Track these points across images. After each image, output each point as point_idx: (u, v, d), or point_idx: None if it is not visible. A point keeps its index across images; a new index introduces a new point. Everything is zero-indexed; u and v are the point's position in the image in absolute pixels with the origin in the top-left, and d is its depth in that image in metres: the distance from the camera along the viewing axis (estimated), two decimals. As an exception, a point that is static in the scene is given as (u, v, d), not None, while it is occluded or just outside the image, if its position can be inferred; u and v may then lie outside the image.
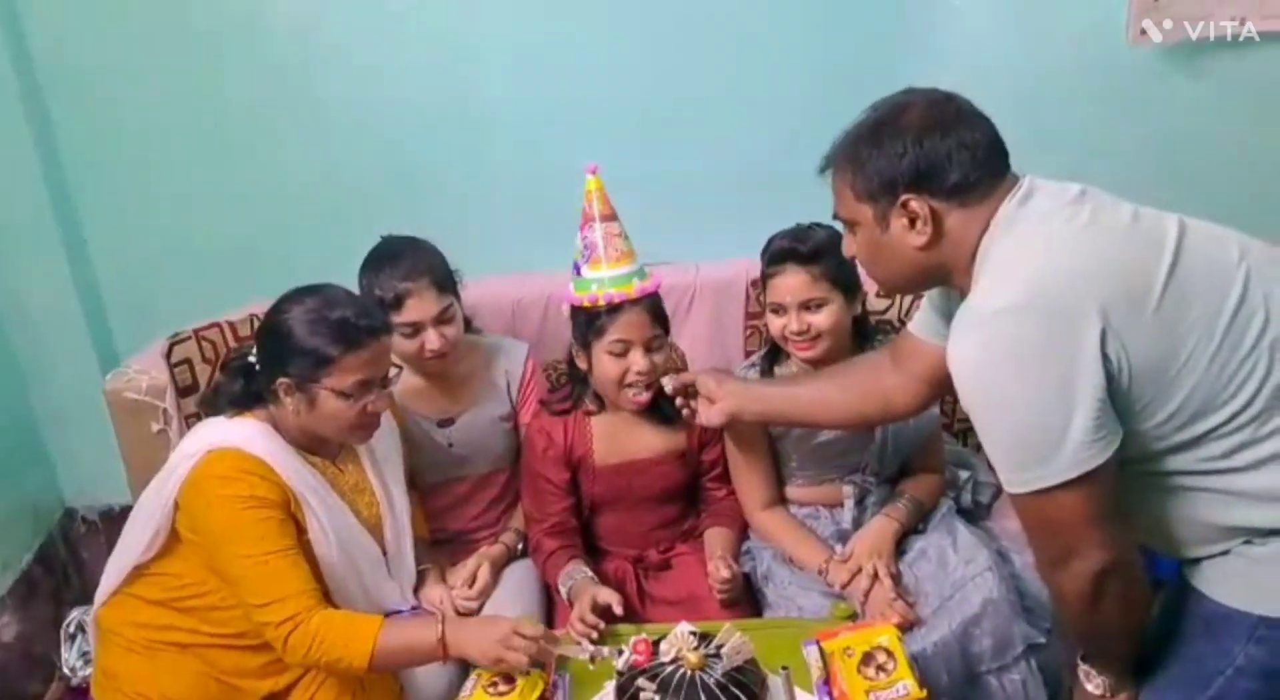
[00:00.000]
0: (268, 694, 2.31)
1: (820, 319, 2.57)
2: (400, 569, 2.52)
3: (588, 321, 2.57)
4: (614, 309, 2.53)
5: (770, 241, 2.64)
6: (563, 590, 2.55)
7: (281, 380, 2.22)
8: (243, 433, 2.26)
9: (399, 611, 2.47)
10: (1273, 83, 3.25)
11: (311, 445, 2.35)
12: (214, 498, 2.18)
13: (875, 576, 2.51)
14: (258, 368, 2.30)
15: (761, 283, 2.67)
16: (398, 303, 2.56)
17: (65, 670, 2.74)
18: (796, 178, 3.30)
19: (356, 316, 2.24)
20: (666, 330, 2.65)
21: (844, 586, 2.53)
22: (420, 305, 2.57)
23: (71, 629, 2.88)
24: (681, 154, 3.19)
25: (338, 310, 2.23)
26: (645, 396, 2.60)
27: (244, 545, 2.17)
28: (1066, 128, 3.33)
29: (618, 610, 2.38)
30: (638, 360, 2.55)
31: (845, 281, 2.58)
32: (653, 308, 2.57)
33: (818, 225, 2.60)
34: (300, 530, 2.25)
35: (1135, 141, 3.34)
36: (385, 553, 2.47)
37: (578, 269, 2.57)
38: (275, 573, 2.17)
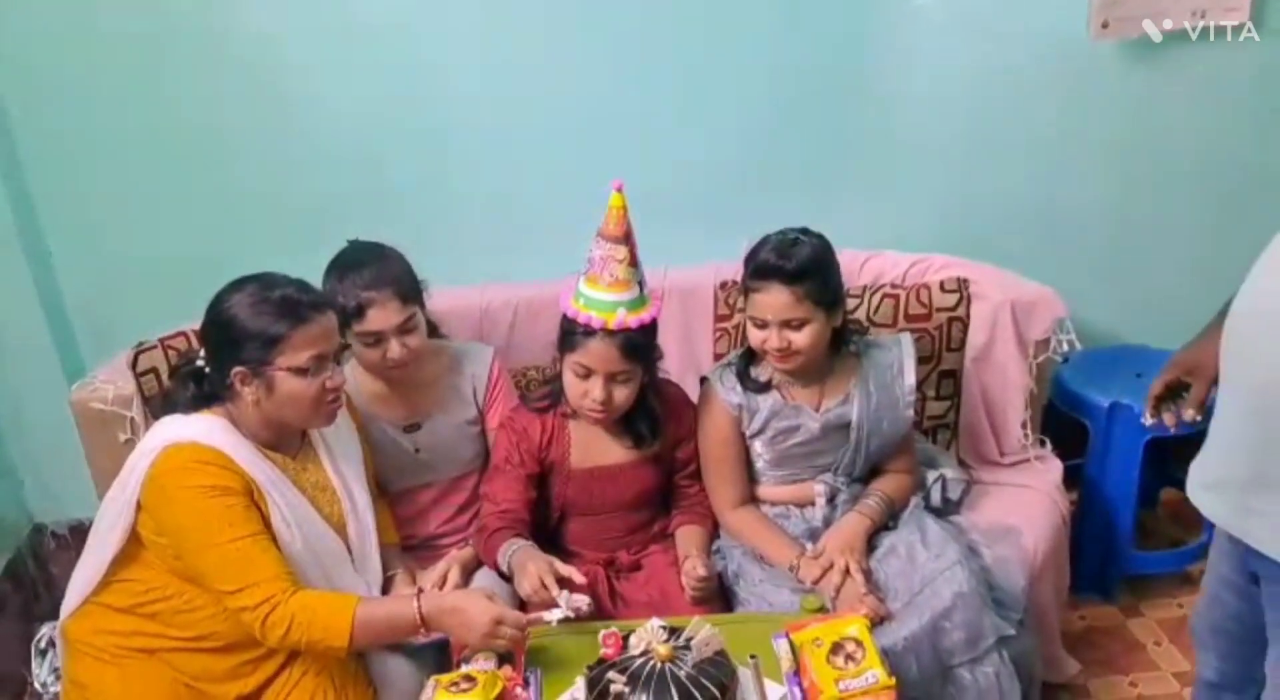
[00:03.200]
0: (236, 697, 2.30)
1: (801, 337, 2.55)
2: (365, 568, 2.50)
3: (565, 333, 2.55)
4: (589, 332, 2.51)
5: (756, 250, 2.59)
6: (502, 562, 2.49)
7: (236, 370, 2.22)
8: (199, 427, 2.25)
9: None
10: (1231, 75, 3.30)
11: (272, 440, 2.34)
12: (175, 491, 2.17)
13: (846, 572, 2.52)
14: (207, 369, 2.29)
15: (743, 291, 2.64)
16: (359, 312, 2.54)
17: (36, 686, 2.71)
18: (763, 180, 3.37)
19: (298, 292, 2.25)
20: (647, 364, 2.60)
21: (815, 582, 2.53)
22: (382, 315, 2.55)
23: (42, 645, 2.85)
24: (649, 159, 3.20)
25: (278, 290, 2.23)
26: (600, 418, 2.60)
27: (211, 534, 2.16)
28: (1030, 123, 3.38)
29: (579, 579, 2.36)
30: (596, 389, 2.53)
31: (828, 299, 2.56)
32: (628, 343, 2.50)
33: (802, 235, 2.58)
34: (264, 521, 2.24)
35: (1098, 135, 3.40)
36: (350, 551, 2.46)
37: (580, 276, 2.54)
38: (246, 558, 2.16)
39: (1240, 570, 2.09)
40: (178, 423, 2.27)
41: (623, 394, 2.56)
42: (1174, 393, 2.23)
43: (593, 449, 2.70)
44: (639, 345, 2.53)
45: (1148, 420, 2.27)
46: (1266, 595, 2.04)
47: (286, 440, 2.39)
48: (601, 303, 2.48)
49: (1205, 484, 2.04)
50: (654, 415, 2.69)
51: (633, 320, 2.49)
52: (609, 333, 2.49)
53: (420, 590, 2.30)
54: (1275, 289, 1.89)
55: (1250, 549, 2.00)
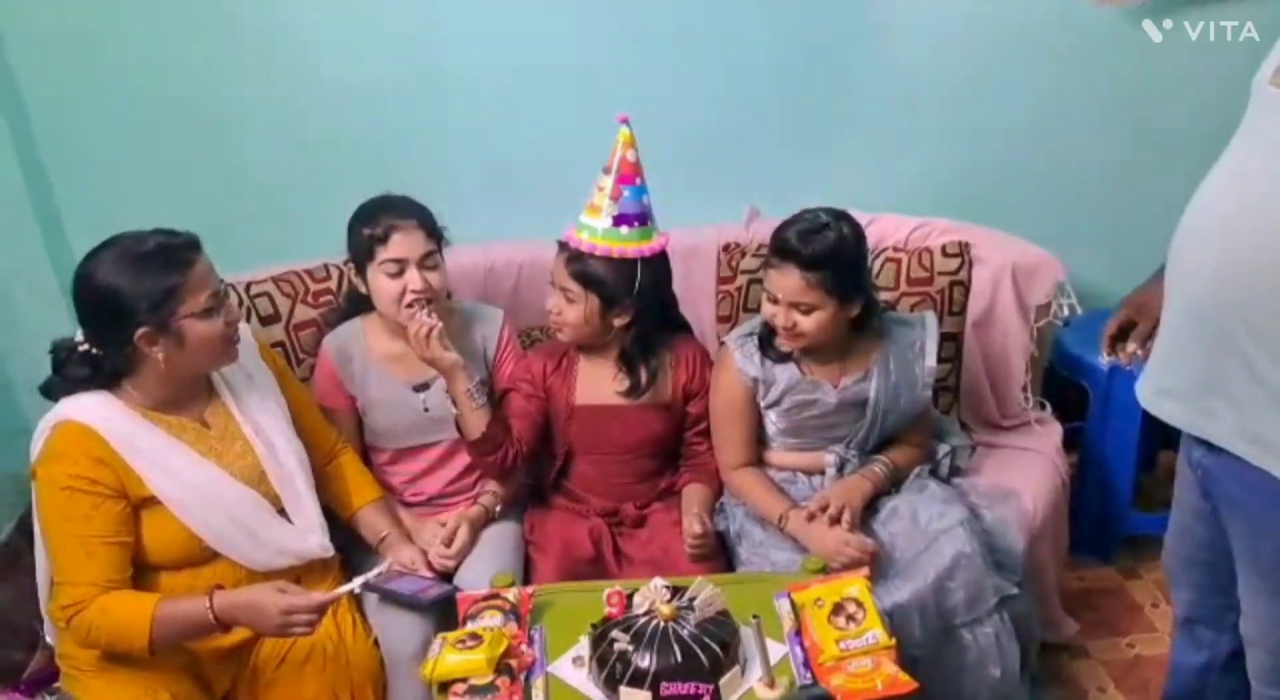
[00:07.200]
0: (233, 647, 2.37)
1: (807, 322, 2.55)
2: (300, 512, 2.48)
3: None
4: (561, 251, 2.67)
5: (785, 225, 2.57)
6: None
7: (140, 332, 2.18)
8: (83, 402, 2.25)
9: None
10: (1231, 36, 3.29)
11: (174, 402, 2.33)
12: (41, 471, 2.21)
13: (838, 520, 2.53)
14: (93, 348, 2.26)
15: (765, 263, 2.64)
16: (385, 237, 2.60)
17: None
18: (765, 144, 3.36)
19: (168, 238, 2.22)
20: (604, 297, 2.65)
21: (809, 518, 2.55)
22: (407, 242, 2.60)
23: (52, 599, 2.90)
24: (650, 121, 3.18)
25: (148, 242, 2.20)
26: (557, 330, 2.72)
27: (53, 521, 2.20)
28: (1032, 86, 3.38)
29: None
30: (551, 298, 2.69)
31: (842, 290, 2.54)
32: (579, 264, 2.62)
33: (835, 220, 2.55)
34: (149, 499, 2.25)
35: (1098, 98, 3.40)
36: (279, 499, 2.45)
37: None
38: (72, 557, 2.18)
39: (1204, 495, 2.14)
40: (67, 400, 2.27)
41: (574, 313, 2.66)
42: (1126, 332, 2.31)
43: (601, 386, 2.76)
44: (589, 273, 2.62)
45: (1104, 358, 2.36)
46: (1227, 520, 2.09)
47: (189, 398, 2.37)
48: (579, 223, 2.63)
49: (1158, 391, 2.10)
50: (652, 363, 2.75)
51: (589, 245, 2.60)
52: (563, 247, 2.65)
53: (216, 587, 2.26)
54: (1211, 203, 1.96)
55: (1208, 472, 2.07)
